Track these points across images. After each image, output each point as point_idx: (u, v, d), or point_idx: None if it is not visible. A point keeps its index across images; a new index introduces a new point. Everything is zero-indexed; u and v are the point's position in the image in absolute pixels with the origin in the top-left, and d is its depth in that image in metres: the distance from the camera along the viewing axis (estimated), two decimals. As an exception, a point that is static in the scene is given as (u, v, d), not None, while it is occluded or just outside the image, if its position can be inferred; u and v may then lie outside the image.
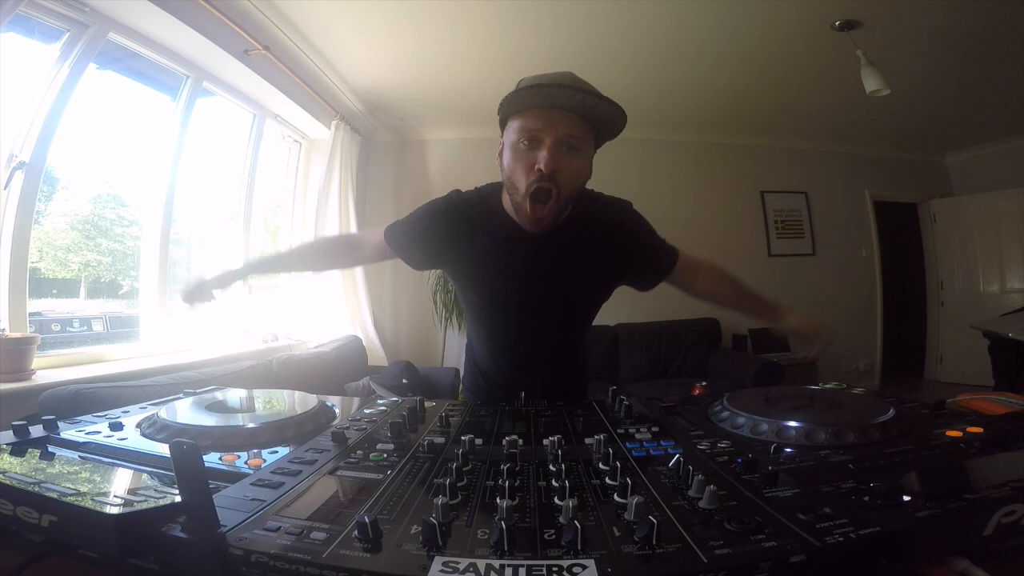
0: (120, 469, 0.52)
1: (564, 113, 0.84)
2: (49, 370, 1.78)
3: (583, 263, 1.01)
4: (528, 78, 0.87)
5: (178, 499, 0.39)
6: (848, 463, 0.49)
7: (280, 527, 0.37)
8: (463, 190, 1.06)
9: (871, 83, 2.90)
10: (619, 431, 0.64)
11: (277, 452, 0.57)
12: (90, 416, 0.71)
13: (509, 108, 0.87)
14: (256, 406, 0.81)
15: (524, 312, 1.04)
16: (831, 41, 2.89)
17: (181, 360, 2.18)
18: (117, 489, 0.45)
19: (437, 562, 0.33)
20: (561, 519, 0.38)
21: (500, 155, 0.93)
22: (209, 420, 0.68)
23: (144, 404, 0.78)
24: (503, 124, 0.92)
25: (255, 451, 0.57)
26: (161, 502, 0.39)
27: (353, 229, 3.52)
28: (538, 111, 0.84)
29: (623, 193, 1.07)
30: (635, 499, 0.39)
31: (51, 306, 2.22)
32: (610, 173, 5.05)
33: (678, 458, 0.48)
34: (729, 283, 1.11)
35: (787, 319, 1.04)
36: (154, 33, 2.24)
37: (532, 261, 0.98)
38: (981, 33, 2.81)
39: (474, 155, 3.76)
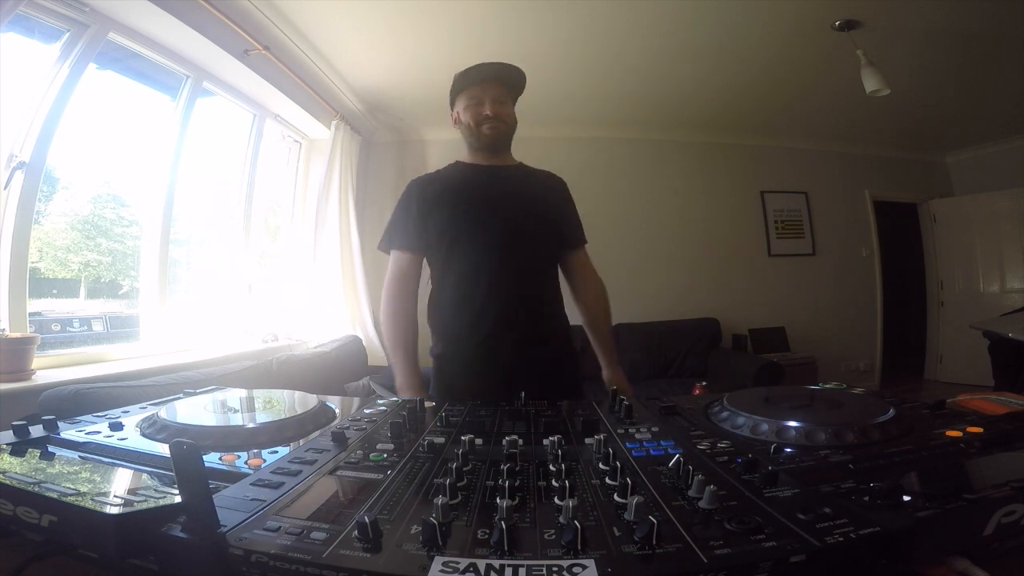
0: (120, 469, 0.52)
1: (491, 83, 1.27)
2: (49, 370, 1.78)
3: (536, 191, 1.33)
4: (460, 72, 1.28)
5: (178, 499, 0.39)
6: (848, 463, 0.49)
7: (280, 527, 0.37)
8: None
9: (871, 83, 2.90)
10: (619, 431, 0.64)
11: (277, 452, 0.57)
12: (90, 416, 0.71)
13: (456, 89, 1.30)
14: (256, 406, 0.81)
15: (508, 225, 1.22)
16: (831, 41, 2.89)
17: (181, 360, 2.18)
18: (117, 489, 0.45)
19: (437, 562, 0.33)
20: (561, 519, 0.38)
21: (456, 121, 1.31)
22: (209, 420, 0.68)
23: (144, 404, 0.78)
24: (453, 102, 1.32)
25: (255, 451, 0.57)
26: (161, 502, 0.39)
27: (353, 230, 3.52)
28: (477, 86, 1.27)
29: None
30: (635, 499, 0.39)
31: (51, 306, 2.22)
32: (610, 172, 5.04)
33: (678, 458, 0.48)
34: (598, 308, 1.37)
35: (609, 370, 1.38)
36: (154, 33, 2.24)
37: (499, 183, 1.28)
38: (981, 33, 2.81)
39: (474, 155, 3.75)
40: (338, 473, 0.50)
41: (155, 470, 0.51)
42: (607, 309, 1.39)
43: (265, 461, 0.54)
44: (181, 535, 0.36)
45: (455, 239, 1.23)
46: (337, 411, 0.77)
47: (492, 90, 1.26)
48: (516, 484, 0.45)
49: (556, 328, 1.30)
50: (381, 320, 1.22)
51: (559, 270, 1.35)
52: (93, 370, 1.85)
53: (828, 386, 0.84)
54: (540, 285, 1.28)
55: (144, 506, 0.38)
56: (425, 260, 1.29)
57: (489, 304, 1.20)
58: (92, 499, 0.38)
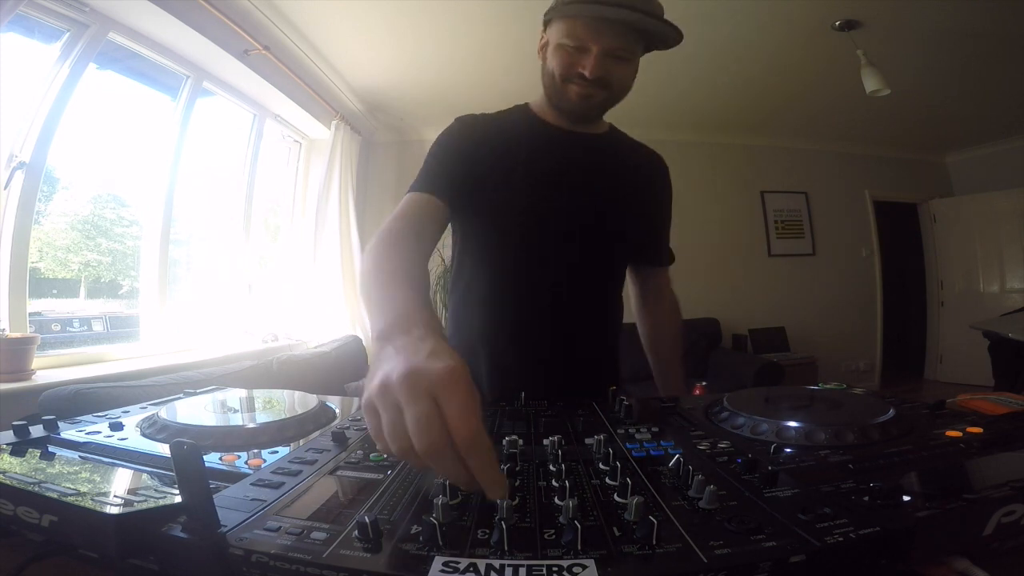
0: (120, 469, 0.51)
1: (613, 25, 0.81)
2: (49, 370, 1.78)
3: (638, 179, 0.98)
4: None
5: (178, 499, 0.39)
6: (848, 463, 0.49)
7: (280, 527, 0.37)
8: None
9: (871, 83, 2.90)
10: (619, 431, 0.64)
11: (277, 452, 0.57)
12: (90, 416, 0.70)
13: (558, 11, 0.85)
14: (256, 406, 0.81)
15: (571, 221, 0.90)
16: (831, 41, 2.89)
17: (181, 360, 2.18)
18: (117, 489, 0.45)
19: (437, 562, 0.33)
20: (561, 519, 0.38)
21: (542, 50, 0.91)
22: (209, 420, 0.68)
23: (144, 404, 0.78)
24: (549, 22, 0.90)
25: (255, 451, 0.57)
26: (161, 502, 0.39)
27: (353, 230, 3.52)
28: (587, 21, 0.82)
29: None
30: (635, 499, 0.39)
31: (51, 306, 2.22)
32: (610, 173, 4.93)
33: (678, 458, 0.48)
34: (671, 332, 1.11)
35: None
36: (154, 33, 2.24)
37: (588, 157, 0.93)
38: (981, 33, 2.81)
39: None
40: (338, 473, 0.50)
41: (155, 470, 0.51)
42: (677, 336, 1.12)
43: (265, 461, 0.54)
44: (181, 535, 0.36)
45: (506, 211, 0.90)
46: (337, 411, 0.77)
47: (611, 37, 0.82)
48: (516, 484, 0.45)
49: (610, 366, 1.04)
50: (363, 261, 0.73)
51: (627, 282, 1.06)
52: (93, 370, 1.85)
53: (828, 386, 0.84)
54: (607, 304, 1.00)
55: (144, 506, 0.38)
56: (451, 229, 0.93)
57: (538, 317, 0.92)
58: (92, 499, 0.38)
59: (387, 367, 0.43)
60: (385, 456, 0.55)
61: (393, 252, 0.72)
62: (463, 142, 0.91)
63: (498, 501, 0.39)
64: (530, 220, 0.91)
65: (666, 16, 0.85)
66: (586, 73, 0.83)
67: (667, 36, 0.85)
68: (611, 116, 0.97)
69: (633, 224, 0.98)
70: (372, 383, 0.43)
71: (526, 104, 0.98)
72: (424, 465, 0.40)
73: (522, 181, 0.89)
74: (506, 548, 0.35)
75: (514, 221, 0.91)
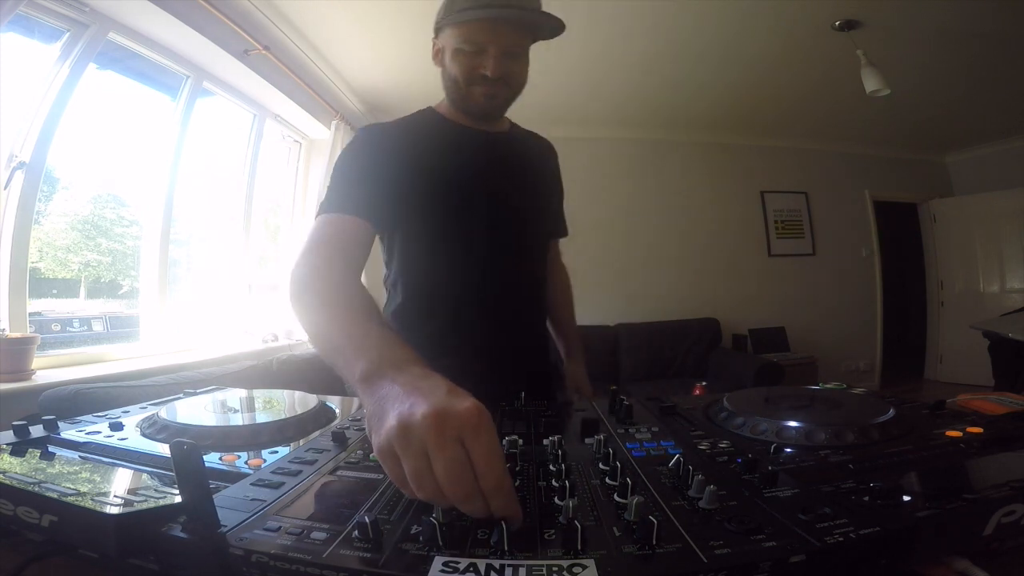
0: (120, 469, 0.52)
1: (506, 25, 0.86)
2: (49, 370, 1.78)
3: (540, 167, 1.08)
4: None
5: (178, 499, 0.39)
6: (848, 463, 0.49)
7: (280, 527, 0.37)
8: None
9: (871, 83, 2.90)
10: (619, 431, 0.64)
11: (277, 452, 0.57)
12: (90, 416, 0.70)
13: (448, 19, 0.87)
14: (256, 406, 0.81)
15: (495, 216, 0.95)
16: (831, 41, 2.89)
17: (181, 360, 2.18)
18: (117, 489, 0.45)
19: (437, 562, 0.33)
20: (561, 519, 0.38)
21: (437, 57, 0.95)
22: (209, 420, 0.68)
23: (144, 404, 0.78)
24: (440, 29, 0.92)
25: (255, 451, 0.57)
26: (161, 502, 0.39)
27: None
28: (482, 24, 0.85)
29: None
30: (635, 499, 0.39)
31: (51, 306, 2.22)
32: (610, 173, 5.04)
33: (678, 458, 0.48)
34: (567, 299, 1.24)
35: (572, 363, 1.22)
36: (154, 33, 2.24)
37: (500, 156, 0.98)
38: (981, 33, 2.81)
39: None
40: (338, 473, 0.50)
41: (155, 470, 0.51)
42: (572, 300, 1.26)
43: (265, 461, 0.54)
44: (181, 535, 0.36)
45: (434, 217, 0.92)
46: (337, 411, 0.77)
47: (505, 36, 0.85)
48: (516, 484, 0.45)
49: (545, 334, 1.15)
50: (299, 297, 0.70)
51: None
52: (93, 370, 1.85)
53: (828, 386, 0.84)
54: (540, 285, 1.08)
55: (144, 506, 0.38)
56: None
57: (481, 309, 0.96)
58: (92, 499, 0.39)
59: (402, 408, 0.41)
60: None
61: (336, 289, 0.69)
62: (376, 154, 0.90)
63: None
64: (459, 219, 0.93)
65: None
66: (488, 73, 0.87)
67: (552, 28, 0.89)
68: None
69: (544, 206, 1.09)
70: (387, 425, 0.41)
71: (430, 108, 1.01)
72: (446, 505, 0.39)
73: (444, 183, 0.92)
74: (506, 548, 0.35)
75: (443, 223, 0.93)
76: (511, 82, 0.91)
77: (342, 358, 0.55)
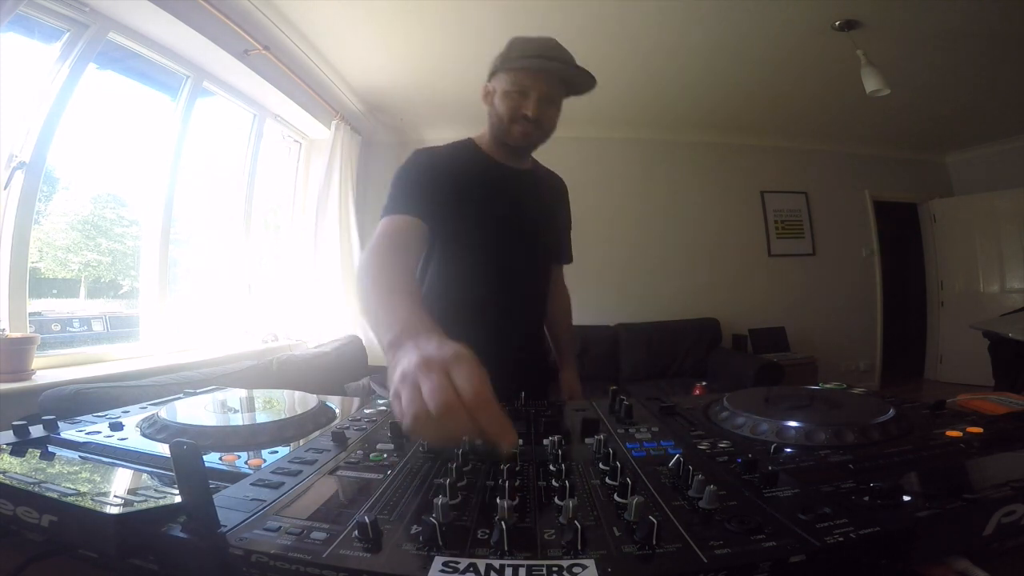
0: (120, 469, 0.52)
1: (548, 76, 1.04)
2: (49, 370, 1.78)
3: (550, 203, 1.25)
4: (519, 40, 1.07)
5: (178, 499, 0.39)
6: (848, 463, 0.49)
7: (280, 527, 0.37)
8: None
9: (871, 83, 2.90)
10: (619, 431, 0.64)
11: (277, 452, 0.57)
12: (90, 416, 0.70)
13: (505, 64, 1.06)
14: (256, 406, 0.81)
15: (517, 242, 1.12)
16: (831, 41, 2.89)
17: (181, 360, 2.18)
18: (117, 489, 0.45)
19: (437, 562, 0.33)
20: (561, 519, 0.38)
21: (488, 97, 1.10)
22: (209, 420, 0.68)
23: (144, 404, 0.78)
24: (493, 73, 1.09)
25: (255, 451, 0.57)
26: (161, 502, 0.39)
27: (353, 229, 3.52)
28: (529, 73, 1.04)
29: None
30: (635, 499, 0.39)
31: (51, 306, 2.22)
32: (610, 172, 5.04)
33: (678, 458, 0.48)
34: (566, 316, 1.39)
35: (566, 370, 1.33)
36: (154, 33, 2.24)
37: (524, 192, 1.15)
38: (981, 33, 2.81)
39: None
40: (338, 473, 0.50)
41: (155, 470, 0.51)
42: (570, 316, 1.42)
43: (265, 461, 0.54)
44: (181, 535, 0.36)
45: (471, 247, 1.09)
46: (337, 411, 0.77)
47: (546, 85, 1.04)
48: (516, 484, 0.45)
49: (544, 343, 1.32)
50: (360, 280, 0.83)
51: None
52: (93, 370, 1.85)
53: (828, 386, 0.84)
54: (542, 302, 1.25)
55: (144, 506, 0.38)
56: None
57: (490, 323, 1.10)
58: (92, 499, 0.39)
59: (405, 361, 0.52)
60: (385, 456, 0.55)
61: (387, 269, 0.84)
62: (429, 171, 1.06)
63: (498, 500, 0.39)
64: (481, 241, 1.10)
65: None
66: (528, 113, 1.03)
67: (586, 83, 1.07)
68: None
69: (555, 235, 1.27)
70: (394, 376, 0.52)
71: (471, 139, 1.16)
72: (442, 435, 0.48)
73: (472, 209, 1.07)
74: (506, 548, 0.35)
75: (467, 242, 1.09)
76: (544, 125, 1.08)
77: (380, 328, 0.68)
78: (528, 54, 1.03)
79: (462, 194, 1.06)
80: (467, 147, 1.14)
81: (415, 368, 0.50)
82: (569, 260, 1.38)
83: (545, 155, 1.23)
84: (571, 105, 1.12)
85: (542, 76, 1.03)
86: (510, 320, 1.15)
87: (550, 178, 1.29)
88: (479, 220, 1.09)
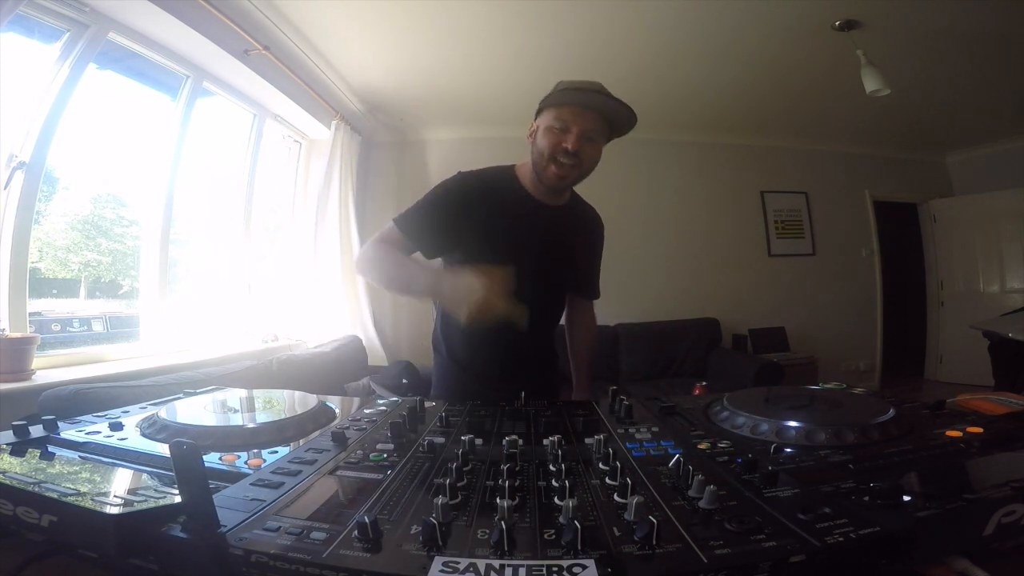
0: (120, 469, 0.52)
1: (589, 112, 1.06)
2: (49, 370, 1.78)
3: (582, 241, 1.27)
4: (565, 81, 1.10)
5: (178, 499, 0.39)
6: (848, 463, 0.49)
7: (280, 527, 0.37)
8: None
9: (871, 83, 2.90)
10: (619, 431, 0.64)
11: (277, 452, 0.57)
12: (90, 416, 0.71)
13: (549, 101, 1.10)
14: (256, 406, 0.81)
15: (534, 277, 1.10)
16: (831, 41, 2.89)
17: (181, 360, 2.18)
18: (117, 489, 0.45)
19: (437, 562, 0.33)
20: (561, 519, 0.38)
21: (532, 135, 1.13)
22: (209, 420, 0.68)
23: (144, 404, 0.78)
24: (540, 111, 1.12)
25: (255, 451, 0.57)
26: (161, 502, 0.39)
27: (353, 229, 3.52)
28: (571, 108, 1.06)
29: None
30: (635, 499, 0.39)
31: (51, 306, 2.22)
32: (612, 173, 5.05)
33: (678, 458, 0.48)
34: (590, 346, 1.40)
35: (580, 392, 1.37)
36: (154, 33, 2.24)
37: (550, 228, 1.17)
38: (981, 33, 2.81)
39: (474, 155, 3.73)
40: (338, 473, 0.50)
41: (155, 470, 0.51)
42: (594, 347, 1.43)
43: (265, 461, 0.54)
44: (181, 535, 0.36)
45: (478, 261, 1.12)
46: (337, 411, 0.77)
47: (587, 121, 1.06)
48: (516, 484, 0.45)
49: (553, 367, 1.33)
50: (367, 262, 1.09)
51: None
52: (93, 370, 1.85)
53: (828, 386, 0.84)
54: (552, 332, 1.28)
55: (144, 506, 0.38)
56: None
57: (500, 349, 1.15)
58: (92, 499, 0.39)
59: (458, 280, 0.92)
60: (385, 456, 0.55)
61: (394, 250, 1.08)
62: (459, 197, 1.13)
63: (498, 500, 0.39)
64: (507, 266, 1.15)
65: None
66: (568, 147, 1.05)
67: (627, 121, 1.11)
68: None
69: (573, 270, 1.28)
70: (456, 286, 0.93)
71: (513, 168, 1.20)
72: (487, 311, 0.86)
73: (502, 239, 1.12)
74: (506, 548, 0.35)
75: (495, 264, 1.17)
76: (584, 161, 1.09)
77: (412, 281, 1.05)
78: (571, 94, 1.07)
79: (488, 222, 1.12)
80: (505, 177, 1.18)
81: (471, 278, 0.87)
82: (595, 295, 1.37)
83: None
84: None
85: (585, 113, 1.06)
86: (510, 344, 1.14)
87: (584, 214, 1.28)
88: (499, 248, 1.11)
